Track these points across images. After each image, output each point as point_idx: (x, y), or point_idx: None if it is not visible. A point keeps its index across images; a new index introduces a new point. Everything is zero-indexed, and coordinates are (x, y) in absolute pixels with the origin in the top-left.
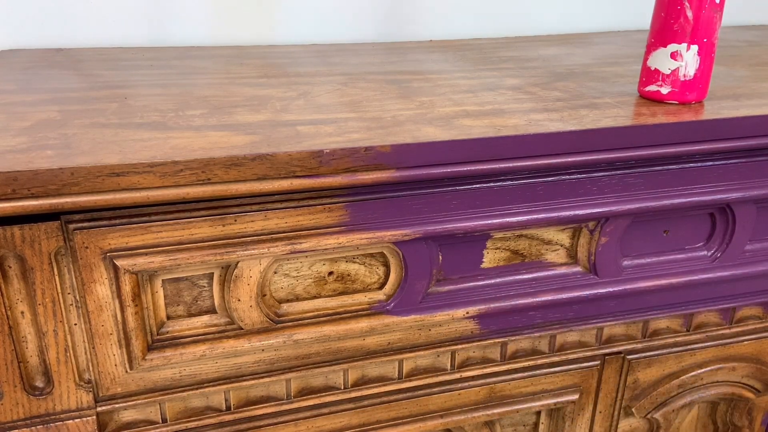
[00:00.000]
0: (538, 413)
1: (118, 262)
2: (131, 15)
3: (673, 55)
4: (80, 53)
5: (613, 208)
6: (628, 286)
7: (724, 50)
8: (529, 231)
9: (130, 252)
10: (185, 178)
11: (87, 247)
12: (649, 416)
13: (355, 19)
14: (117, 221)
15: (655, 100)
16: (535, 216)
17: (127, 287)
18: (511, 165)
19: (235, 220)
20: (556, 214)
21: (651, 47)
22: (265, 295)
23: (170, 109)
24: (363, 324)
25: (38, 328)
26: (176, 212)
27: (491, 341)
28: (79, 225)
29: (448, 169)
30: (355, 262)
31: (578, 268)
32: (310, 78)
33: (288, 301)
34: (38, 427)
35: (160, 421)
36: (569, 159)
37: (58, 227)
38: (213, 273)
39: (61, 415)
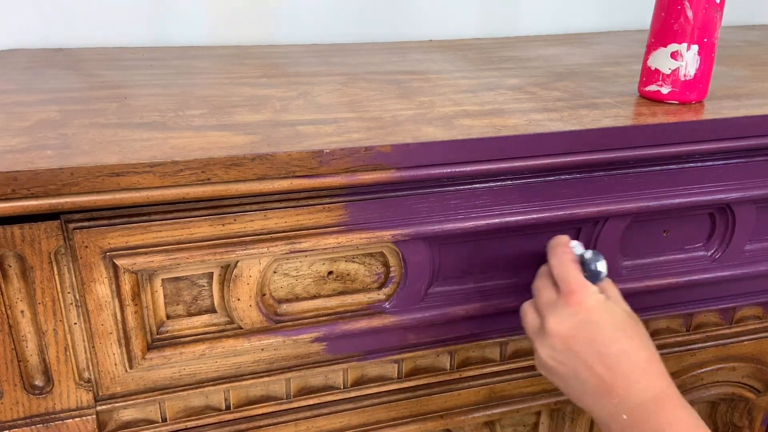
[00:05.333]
0: (538, 413)
1: (118, 262)
2: (131, 15)
3: (674, 55)
4: (80, 53)
5: (613, 208)
6: (628, 286)
7: (724, 50)
8: None
9: (129, 251)
10: (185, 178)
11: (87, 247)
12: None
13: (355, 19)
14: (117, 221)
15: (656, 100)
16: (535, 216)
17: (126, 286)
18: (511, 165)
19: (235, 220)
20: (556, 213)
21: (651, 47)
22: (264, 295)
23: (170, 109)
24: (362, 324)
25: (38, 327)
26: (176, 212)
27: (491, 341)
28: (79, 224)
29: (448, 169)
30: (354, 262)
31: None
32: (310, 78)
33: (288, 300)
34: (38, 426)
35: (160, 421)
36: (569, 159)
37: (57, 227)
38: (212, 272)
39: (61, 414)
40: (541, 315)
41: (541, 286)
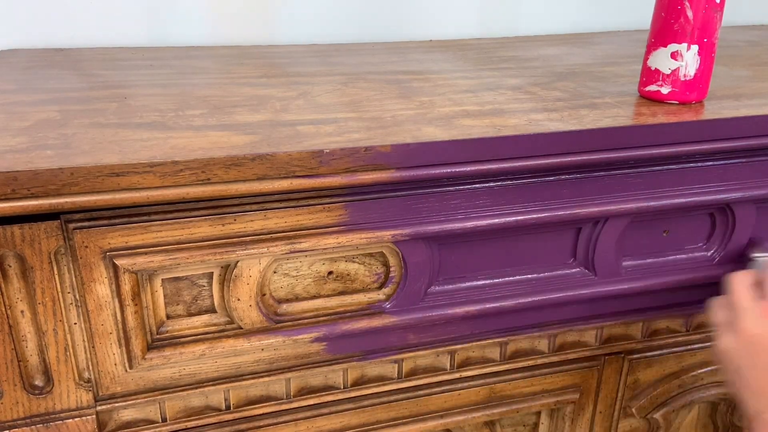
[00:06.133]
0: (538, 413)
1: (118, 262)
2: (131, 15)
3: (674, 55)
4: (80, 53)
5: (613, 207)
6: (628, 286)
7: (724, 50)
8: None
9: (129, 251)
10: (185, 178)
11: (87, 247)
12: (649, 416)
13: (355, 19)
14: (117, 221)
15: (656, 100)
16: (535, 216)
17: (126, 286)
18: (511, 165)
19: (235, 220)
20: (556, 213)
21: (651, 47)
22: (264, 295)
23: (170, 109)
24: (362, 324)
25: (38, 327)
26: (176, 212)
27: (491, 341)
28: (79, 224)
29: (448, 169)
30: (354, 262)
31: (578, 268)
32: (310, 78)
33: (288, 300)
34: (38, 426)
35: (160, 421)
36: (569, 159)
37: (57, 227)
38: (212, 272)
39: (61, 414)
40: (735, 314)
41: (742, 288)
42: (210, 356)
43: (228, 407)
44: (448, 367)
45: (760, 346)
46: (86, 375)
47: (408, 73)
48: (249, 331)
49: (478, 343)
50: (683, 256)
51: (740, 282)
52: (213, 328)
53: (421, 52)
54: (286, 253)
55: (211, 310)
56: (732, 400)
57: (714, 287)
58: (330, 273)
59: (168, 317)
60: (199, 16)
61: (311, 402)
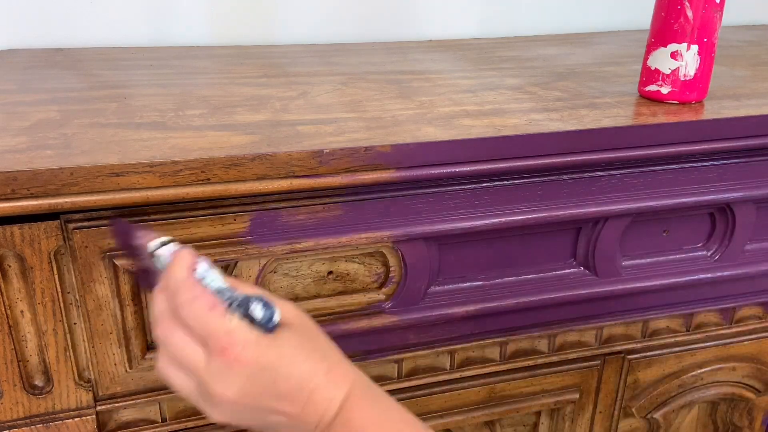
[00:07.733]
0: (538, 413)
1: (118, 262)
2: (131, 15)
3: (674, 55)
4: (80, 53)
5: (613, 207)
6: (628, 286)
7: (724, 50)
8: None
9: None
10: (185, 178)
11: (86, 247)
12: (649, 416)
13: (355, 19)
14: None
15: (656, 99)
16: (535, 216)
17: (126, 286)
18: (511, 165)
19: (235, 220)
20: (556, 213)
21: (651, 47)
22: None
23: (170, 109)
24: (362, 324)
25: (38, 327)
26: (176, 212)
27: (491, 341)
28: (79, 224)
29: (448, 169)
30: (354, 262)
31: (578, 268)
32: (310, 78)
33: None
34: (38, 426)
35: (160, 421)
36: (569, 159)
37: (57, 227)
38: None
39: (61, 414)
40: (197, 379)
41: (178, 341)
42: None
43: None
44: (448, 367)
45: (253, 397)
46: (86, 375)
47: (408, 73)
48: None
49: (478, 343)
50: (683, 256)
51: (175, 333)
52: None
53: (421, 52)
54: (286, 253)
55: None
56: (732, 400)
57: (714, 287)
58: (330, 273)
59: None
60: (199, 16)
61: None
